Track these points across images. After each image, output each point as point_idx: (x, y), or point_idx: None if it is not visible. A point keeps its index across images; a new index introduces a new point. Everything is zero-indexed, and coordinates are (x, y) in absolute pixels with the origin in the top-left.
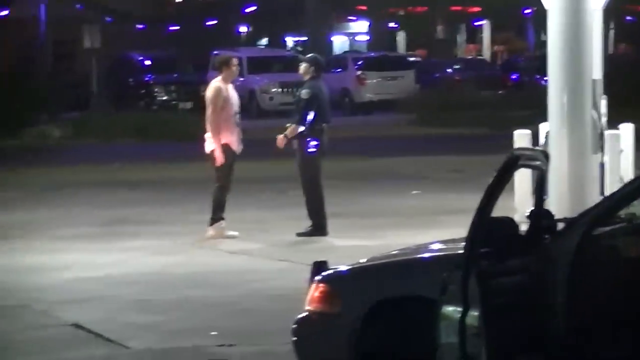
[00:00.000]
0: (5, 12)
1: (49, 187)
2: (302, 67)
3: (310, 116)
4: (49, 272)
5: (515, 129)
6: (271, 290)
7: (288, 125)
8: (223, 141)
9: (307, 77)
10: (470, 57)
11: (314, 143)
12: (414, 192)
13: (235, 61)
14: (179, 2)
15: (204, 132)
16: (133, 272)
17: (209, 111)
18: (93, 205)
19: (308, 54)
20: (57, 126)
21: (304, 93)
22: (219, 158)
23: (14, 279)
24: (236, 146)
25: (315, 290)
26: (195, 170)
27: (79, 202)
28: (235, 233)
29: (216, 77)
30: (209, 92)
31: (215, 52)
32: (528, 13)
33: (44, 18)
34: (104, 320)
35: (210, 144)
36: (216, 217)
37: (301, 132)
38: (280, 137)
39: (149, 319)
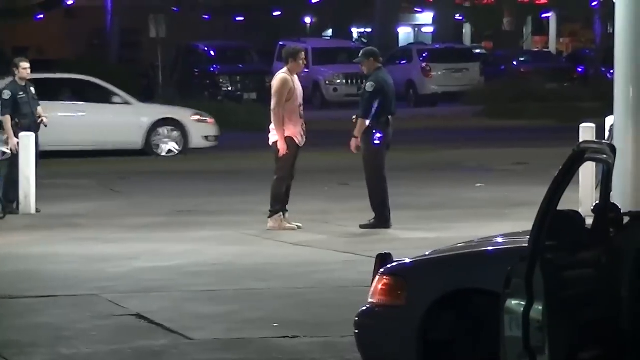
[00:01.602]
0: (71, 2)
1: (118, 176)
2: (364, 66)
3: (375, 108)
4: (118, 262)
5: (582, 122)
6: (334, 282)
7: (353, 118)
8: (286, 134)
9: (371, 71)
10: (536, 49)
11: (378, 135)
12: (478, 184)
13: (302, 54)
14: None
15: (269, 123)
16: (198, 262)
17: (273, 102)
18: (160, 195)
19: (371, 45)
20: None
21: (368, 85)
22: (282, 150)
23: (83, 268)
24: (299, 139)
25: (378, 283)
26: (261, 160)
27: (146, 192)
28: (296, 225)
29: (282, 68)
30: (275, 83)
31: (281, 42)
32: (595, 5)
33: (110, 7)
34: (169, 310)
35: (273, 136)
36: (275, 209)
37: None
38: (353, 144)
39: (212, 310)
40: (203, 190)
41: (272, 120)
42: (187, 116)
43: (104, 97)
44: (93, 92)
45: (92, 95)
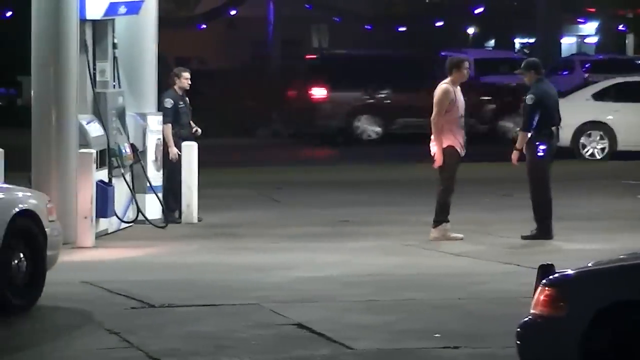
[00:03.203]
0: (234, 12)
1: (275, 185)
2: (525, 77)
3: (536, 120)
4: (278, 271)
5: None
6: (495, 293)
7: (515, 132)
8: (447, 143)
9: (532, 83)
10: None
11: (542, 147)
12: None
13: (466, 64)
14: (407, 3)
15: (430, 133)
16: (357, 272)
17: (434, 112)
18: (318, 205)
19: (534, 56)
20: (286, 125)
21: (528, 98)
22: (438, 160)
23: (244, 278)
24: (460, 149)
25: (541, 294)
26: (421, 171)
27: (304, 202)
28: (460, 235)
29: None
30: (437, 93)
31: (443, 53)
32: None
33: (272, 18)
34: (330, 320)
35: (434, 147)
36: (440, 219)
37: (529, 136)
38: (514, 156)
39: (372, 320)
40: (362, 201)
41: (432, 130)
42: None
43: None
44: None
45: None
